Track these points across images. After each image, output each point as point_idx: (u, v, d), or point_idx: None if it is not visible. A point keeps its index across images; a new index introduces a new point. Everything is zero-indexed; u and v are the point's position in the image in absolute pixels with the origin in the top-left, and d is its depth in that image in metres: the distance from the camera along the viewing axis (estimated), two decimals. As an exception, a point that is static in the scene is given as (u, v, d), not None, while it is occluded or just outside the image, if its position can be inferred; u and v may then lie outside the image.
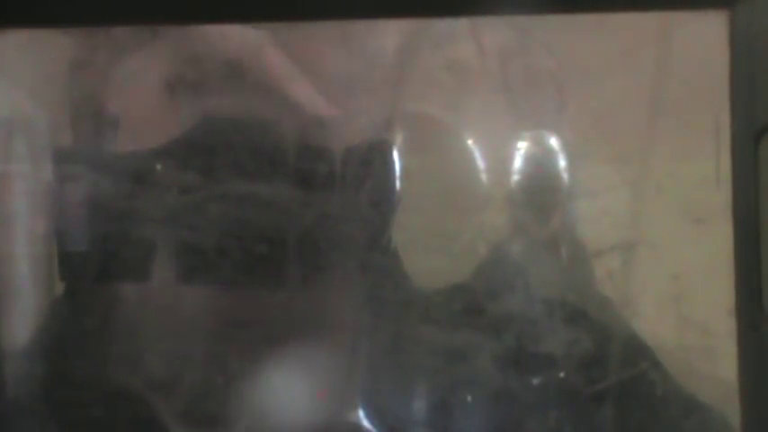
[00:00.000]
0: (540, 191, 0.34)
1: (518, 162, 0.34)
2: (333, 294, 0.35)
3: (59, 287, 0.35)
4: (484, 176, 0.34)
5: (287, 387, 0.34)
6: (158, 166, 0.34)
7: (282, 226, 0.34)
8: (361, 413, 0.34)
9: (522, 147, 0.34)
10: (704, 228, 0.34)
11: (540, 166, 0.34)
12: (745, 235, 0.33)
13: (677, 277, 0.34)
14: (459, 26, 0.34)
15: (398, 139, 0.34)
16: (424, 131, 0.35)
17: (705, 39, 0.34)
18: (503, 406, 0.34)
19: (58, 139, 0.35)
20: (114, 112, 0.34)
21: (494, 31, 0.34)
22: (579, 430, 0.34)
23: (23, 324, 0.35)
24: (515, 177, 0.34)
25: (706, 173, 0.34)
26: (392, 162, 0.34)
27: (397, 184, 0.34)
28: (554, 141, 0.34)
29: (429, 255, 0.34)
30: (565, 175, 0.34)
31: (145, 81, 0.34)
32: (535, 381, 0.34)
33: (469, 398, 0.34)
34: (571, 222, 0.35)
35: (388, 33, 0.34)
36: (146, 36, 0.34)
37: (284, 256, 0.34)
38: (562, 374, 0.34)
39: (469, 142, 0.34)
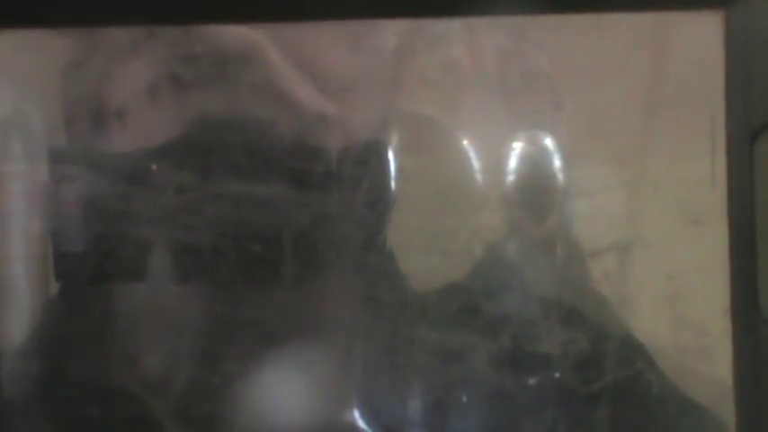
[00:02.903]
0: (536, 191, 0.34)
1: (514, 162, 0.34)
2: (329, 294, 0.35)
3: (55, 287, 0.35)
4: (480, 176, 0.34)
5: (283, 387, 0.34)
6: (154, 167, 0.34)
7: (278, 226, 0.33)
8: (356, 413, 0.34)
9: (518, 147, 0.34)
10: (700, 228, 0.34)
11: (535, 166, 0.34)
12: (741, 235, 0.33)
13: (673, 277, 0.34)
14: (455, 26, 0.34)
15: (394, 139, 0.34)
16: (420, 132, 0.35)
17: (701, 39, 0.34)
18: (499, 406, 0.34)
19: (55, 139, 0.35)
20: (110, 112, 0.34)
21: (490, 31, 0.34)
22: (575, 430, 0.34)
23: (19, 324, 0.35)
24: (511, 177, 0.34)
25: (702, 173, 0.34)
26: (388, 162, 0.34)
27: (393, 184, 0.34)
28: (550, 142, 0.34)
29: (425, 255, 0.34)
30: (561, 176, 0.34)
31: (141, 81, 0.34)
32: (531, 381, 0.34)
33: (465, 398, 0.34)
34: (567, 222, 0.35)
35: (385, 34, 0.34)
36: (142, 36, 0.34)
37: (280, 256, 0.34)
38: (558, 374, 0.34)
39: (465, 142, 0.34)
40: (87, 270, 0.34)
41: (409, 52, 0.34)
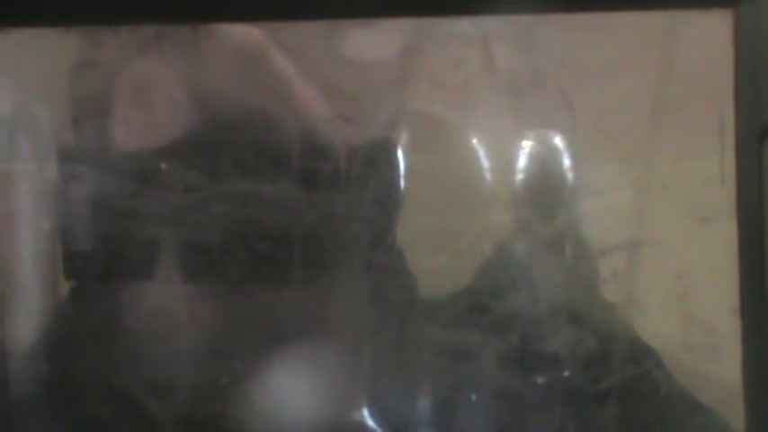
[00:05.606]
0: (545, 190, 0.34)
1: (523, 161, 0.34)
2: (337, 293, 0.35)
3: (64, 286, 0.35)
4: (488, 176, 0.34)
5: (292, 386, 0.34)
6: (163, 166, 0.34)
7: (287, 225, 0.34)
8: (365, 412, 0.34)
9: (527, 146, 0.34)
10: (709, 227, 0.34)
11: (544, 165, 0.34)
12: (750, 234, 0.33)
13: (682, 276, 0.34)
14: (463, 25, 0.34)
15: (403, 138, 0.34)
16: (429, 131, 0.35)
17: (709, 38, 0.34)
18: (507, 405, 0.34)
19: (63, 137, 0.35)
20: (119, 111, 0.34)
21: (498, 30, 0.34)
22: (583, 430, 0.34)
23: (28, 323, 0.35)
24: (520, 176, 0.34)
25: (710, 172, 0.34)
26: (396, 161, 0.34)
27: (402, 183, 0.34)
28: (558, 141, 0.34)
29: (433, 254, 0.34)
30: (569, 175, 0.34)
31: (149, 80, 0.34)
32: (539, 380, 0.34)
33: (474, 397, 0.34)
34: (576, 222, 0.35)
35: (393, 33, 0.34)
36: (150, 35, 0.34)
37: (288, 256, 0.34)
38: (566, 374, 0.34)
39: (474, 141, 0.34)
40: (96, 269, 0.34)
41: (418, 51, 0.34)
